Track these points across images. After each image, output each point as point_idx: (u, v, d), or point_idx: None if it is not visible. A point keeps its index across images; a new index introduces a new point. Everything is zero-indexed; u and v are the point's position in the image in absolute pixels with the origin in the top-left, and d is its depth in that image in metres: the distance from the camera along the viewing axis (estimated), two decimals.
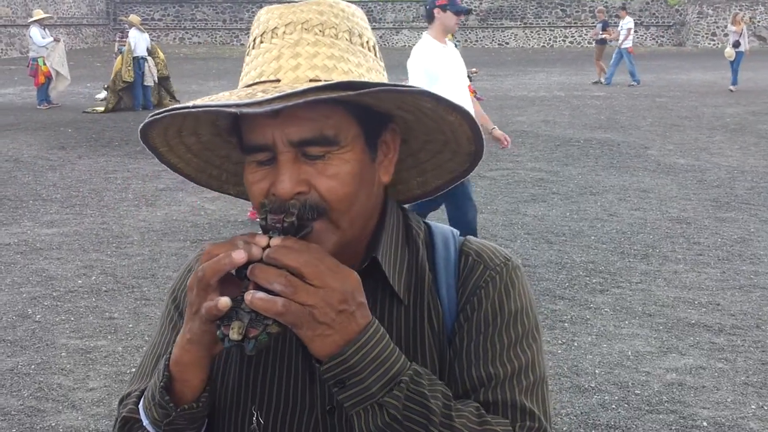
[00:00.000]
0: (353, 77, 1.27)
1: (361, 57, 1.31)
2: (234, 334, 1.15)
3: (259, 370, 1.37)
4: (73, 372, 5.60)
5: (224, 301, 1.16)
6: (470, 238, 1.48)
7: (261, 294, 1.14)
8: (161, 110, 1.26)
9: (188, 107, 1.18)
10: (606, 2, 41.36)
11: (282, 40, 1.28)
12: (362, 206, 1.31)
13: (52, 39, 19.71)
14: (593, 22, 41.93)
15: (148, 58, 19.39)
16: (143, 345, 5.95)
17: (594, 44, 26.94)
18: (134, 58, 19.10)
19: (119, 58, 19.32)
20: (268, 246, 1.18)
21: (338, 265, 1.20)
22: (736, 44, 21.21)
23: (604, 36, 25.78)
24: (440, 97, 1.25)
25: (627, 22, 25.15)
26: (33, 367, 5.68)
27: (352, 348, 1.19)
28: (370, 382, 1.21)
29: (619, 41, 25.03)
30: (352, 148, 1.27)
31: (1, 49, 36.43)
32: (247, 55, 1.33)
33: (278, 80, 1.25)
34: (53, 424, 4.93)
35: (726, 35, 31.61)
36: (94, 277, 7.51)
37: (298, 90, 1.14)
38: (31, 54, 19.83)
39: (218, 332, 1.17)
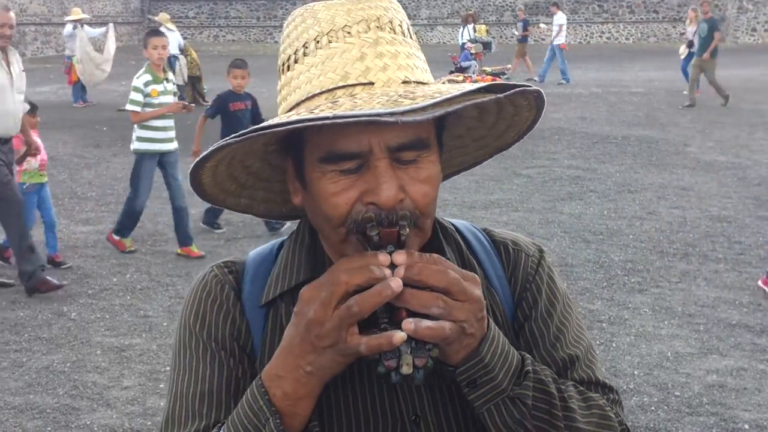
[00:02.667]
0: (428, 74, 1.27)
1: (419, 51, 1.29)
2: (407, 369, 1.11)
3: (338, 392, 1.29)
4: (108, 370, 5.61)
5: (400, 336, 1.10)
6: (490, 228, 1.50)
7: (427, 323, 1.12)
8: (284, 122, 1.14)
9: (323, 118, 1.09)
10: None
11: (359, 39, 1.22)
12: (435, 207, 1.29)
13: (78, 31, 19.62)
14: (633, 18, 41.62)
15: (180, 56, 19.40)
16: None
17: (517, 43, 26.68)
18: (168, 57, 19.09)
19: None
20: (392, 264, 1.14)
21: (467, 273, 1.19)
22: (690, 44, 20.10)
23: (525, 34, 25.80)
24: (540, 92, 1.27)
25: (559, 18, 24.83)
26: (68, 365, 5.69)
27: (486, 346, 1.20)
28: (501, 377, 1.22)
29: (552, 37, 24.85)
30: (435, 149, 1.25)
31: (37, 47, 36.83)
32: (305, 55, 1.24)
33: (371, 83, 1.19)
34: (88, 423, 4.93)
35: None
36: (128, 275, 7.52)
37: (455, 94, 1.13)
38: (67, 52, 20.01)
39: (380, 368, 1.13)
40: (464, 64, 20.38)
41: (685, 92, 19.17)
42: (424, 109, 1.08)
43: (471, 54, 21.62)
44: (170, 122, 8.14)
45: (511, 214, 9.32)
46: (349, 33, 1.22)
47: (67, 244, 8.48)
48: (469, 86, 1.16)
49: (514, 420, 1.24)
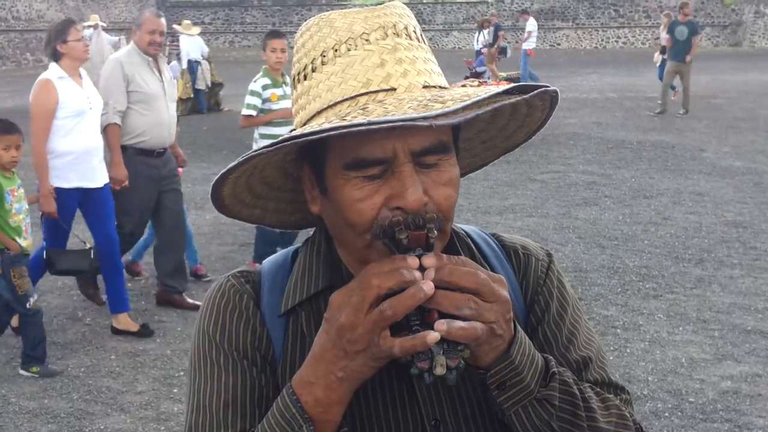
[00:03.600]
0: (443, 78, 1.29)
1: (432, 55, 1.31)
2: (440, 369, 1.12)
3: (359, 397, 1.28)
4: (122, 375, 5.63)
5: (434, 337, 1.11)
6: (499, 233, 1.51)
7: (460, 323, 1.13)
8: (317, 131, 1.13)
9: (359, 124, 1.09)
10: (661, 2, 40.89)
11: (378, 46, 1.23)
12: None
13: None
14: (650, 23, 41.49)
15: (202, 61, 19.51)
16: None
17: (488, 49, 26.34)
18: (188, 61, 19.27)
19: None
20: (420, 267, 1.15)
21: (494, 275, 1.21)
22: (663, 50, 19.63)
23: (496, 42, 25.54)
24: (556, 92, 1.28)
25: (529, 25, 24.73)
26: (83, 369, 5.72)
27: (515, 347, 1.22)
28: (529, 378, 1.24)
29: (521, 42, 24.74)
30: (453, 152, 1.27)
31: None
32: (323, 64, 1.24)
33: (393, 89, 1.20)
34: (102, 427, 4.95)
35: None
36: (143, 281, 7.55)
37: (484, 96, 1.15)
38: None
39: (413, 370, 1.14)
40: (479, 69, 20.38)
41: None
42: (455, 112, 1.10)
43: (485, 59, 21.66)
44: (286, 129, 7.69)
45: (526, 220, 9.30)
46: (367, 40, 1.23)
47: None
48: (494, 89, 1.18)
49: (542, 421, 1.26)
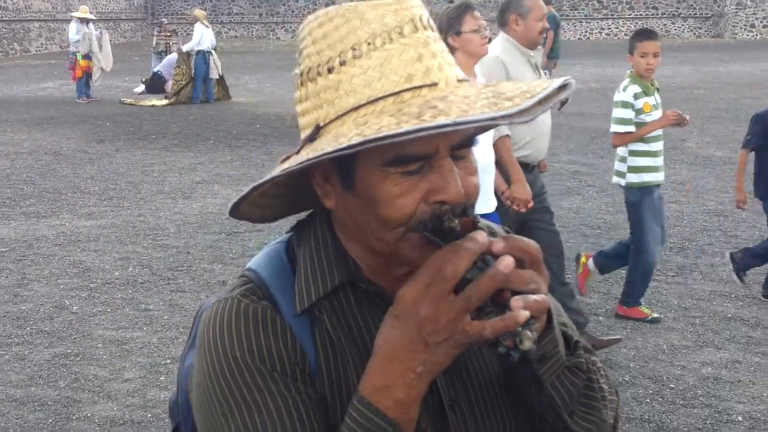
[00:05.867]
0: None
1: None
2: (528, 344, 1.12)
3: None
4: (109, 363, 5.66)
5: (525, 314, 1.11)
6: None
7: (533, 297, 1.13)
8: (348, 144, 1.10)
9: (444, 125, 1.07)
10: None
11: (412, 40, 1.21)
12: None
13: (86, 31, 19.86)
14: (633, 14, 41.58)
15: (213, 51, 19.56)
16: (179, 336, 6.01)
17: None
18: (199, 51, 19.31)
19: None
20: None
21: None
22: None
23: None
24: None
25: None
26: (70, 358, 5.75)
27: (553, 320, 1.26)
28: (560, 348, 1.27)
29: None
30: None
31: (41, 43, 36.84)
32: (356, 58, 1.20)
33: (435, 83, 1.19)
34: (89, 415, 4.99)
35: None
36: (130, 269, 7.58)
37: (549, 91, 1.14)
38: (71, 48, 20.13)
39: (501, 349, 1.13)
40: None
41: None
42: (527, 110, 1.11)
43: None
44: (661, 144, 6.40)
45: None
46: (401, 33, 1.20)
47: (69, 239, 8.54)
48: (554, 82, 1.17)
49: (574, 387, 1.30)
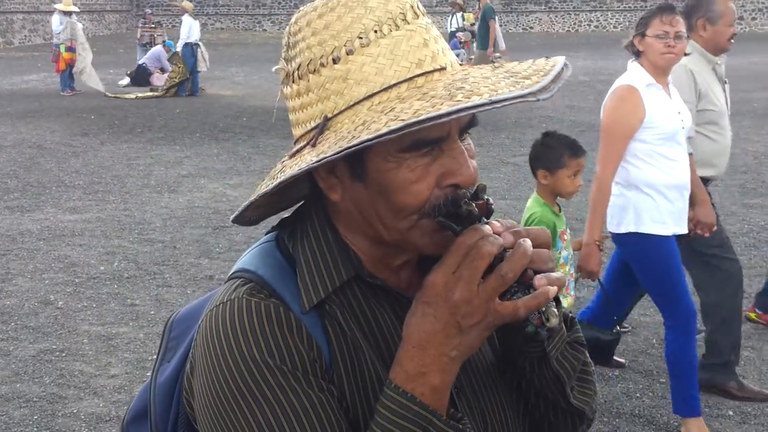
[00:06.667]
0: None
1: None
2: (554, 320, 1.17)
3: (387, 365, 1.24)
4: (95, 359, 5.61)
5: (554, 289, 1.16)
6: None
7: (554, 275, 1.18)
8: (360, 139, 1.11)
9: (481, 104, 1.09)
10: None
11: (415, 25, 1.21)
12: None
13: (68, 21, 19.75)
14: (621, 6, 41.62)
15: (200, 44, 19.51)
16: None
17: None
18: (186, 44, 19.27)
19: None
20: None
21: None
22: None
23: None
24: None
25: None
26: (55, 353, 5.69)
27: (560, 297, 1.29)
28: (561, 324, 1.32)
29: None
30: None
31: (25, 35, 36.63)
32: (364, 46, 1.19)
33: (443, 68, 1.20)
34: (75, 411, 4.94)
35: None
36: (116, 264, 7.52)
37: (559, 68, 1.16)
38: (55, 40, 20.02)
39: (529, 327, 1.19)
40: (454, 52, 20.35)
41: None
42: (546, 87, 1.13)
43: (460, 43, 21.62)
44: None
45: (499, 202, 9.32)
46: (404, 20, 1.21)
47: (54, 233, 8.46)
48: (551, 61, 1.21)
49: (577, 362, 1.36)
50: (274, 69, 1.32)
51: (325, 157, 1.13)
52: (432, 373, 1.16)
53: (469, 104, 1.07)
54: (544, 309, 1.16)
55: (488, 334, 1.19)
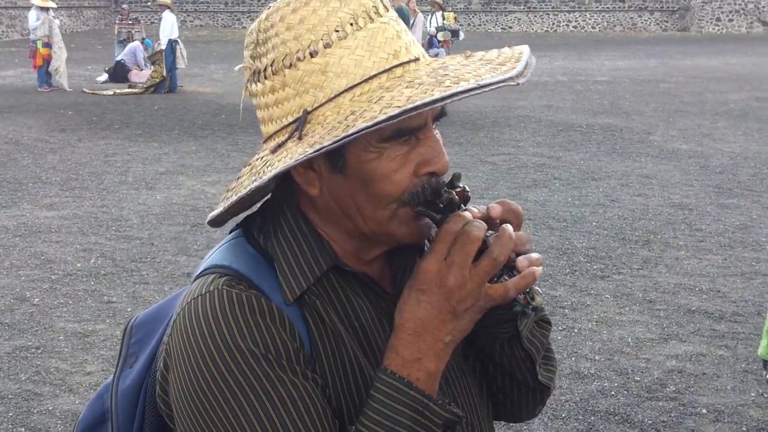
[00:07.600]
0: None
1: None
2: (539, 299, 1.21)
3: (378, 358, 1.26)
4: (71, 356, 5.59)
5: (540, 269, 1.19)
6: None
7: (534, 255, 1.21)
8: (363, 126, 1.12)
9: (466, 90, 1.12)
10: None
11: (386, 18, 1.23)
12: None
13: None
14: (600, 7, 41.78)
15: (179, 40, 19.41)
16: None
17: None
18: (169, 41, 19.15)
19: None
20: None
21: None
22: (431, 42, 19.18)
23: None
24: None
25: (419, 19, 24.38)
26: (31, 350, 5.66)
27: None
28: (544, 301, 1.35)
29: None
30: None
31: (2, 31, 36.37)
32: (341, 39, 1.19)
33: (417, 58, 1.23)
34: (50, 408, 4.92)
35: None
36: (93, 261, 7.49)
37: (528, 55, 1.22)
38: (32, 36, 19.88)
39: (517, 307, 1.23)
40: (431, 51, 20.39)
41: None
42: (522, 73, 1.17)
43: (439, 42, 21.63)
44: None
45: (477, 201, 9.26)
46: (377, 13, 1.22)
47: (30, 229, 8.42)
48: (518, 48, 1.26)
49: (545, 339, 1.42)
50: (237, 68, 1.32)
51: (322, 147, 1.13)
52: (428, 358, 1.19)
53: (460, 89, 1.10)
54: (528, 289, 1.20)
55: (479, 317, 1.21)
